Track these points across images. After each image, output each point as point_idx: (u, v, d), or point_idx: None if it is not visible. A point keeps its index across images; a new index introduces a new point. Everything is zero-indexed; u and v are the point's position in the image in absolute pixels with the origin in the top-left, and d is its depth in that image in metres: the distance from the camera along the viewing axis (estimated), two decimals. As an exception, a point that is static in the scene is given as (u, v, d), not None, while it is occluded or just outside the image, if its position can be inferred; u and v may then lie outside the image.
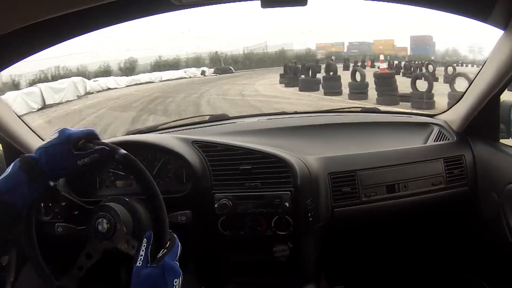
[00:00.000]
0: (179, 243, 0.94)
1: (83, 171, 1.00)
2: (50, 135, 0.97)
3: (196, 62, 20.30)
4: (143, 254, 0.89)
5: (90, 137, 0.98)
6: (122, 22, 1.10)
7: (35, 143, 1.54)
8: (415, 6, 1.14)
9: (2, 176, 0.90)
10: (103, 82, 15.62)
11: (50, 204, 1.40)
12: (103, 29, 1.10)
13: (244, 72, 19.68)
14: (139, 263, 0.87)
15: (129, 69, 18.45)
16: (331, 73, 11.63)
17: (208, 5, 1.13)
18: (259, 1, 0.97)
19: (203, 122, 1.92)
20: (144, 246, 0.90)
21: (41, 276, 1.08)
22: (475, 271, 1.72)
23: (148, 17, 1.12)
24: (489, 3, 1.10)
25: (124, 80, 16.50)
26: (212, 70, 19.56)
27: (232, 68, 19.83)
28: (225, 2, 1.10)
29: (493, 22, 1.18)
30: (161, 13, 1.10)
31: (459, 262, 1.78)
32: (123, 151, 0.98)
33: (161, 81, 17.27)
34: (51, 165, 0.94)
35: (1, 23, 0.80)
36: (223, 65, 20.17)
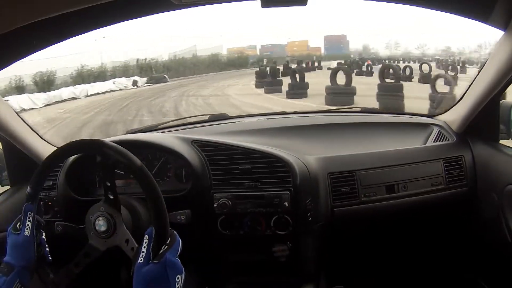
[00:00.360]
0: (180, 240, 0.94)
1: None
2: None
3: (124, 71, 17.59)
4: (145, 250, 0.90)
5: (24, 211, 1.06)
6: (121, 22, 1.11)
7: (35, 142, 1.55)
8: (414, 6, 1.15)
9: None
10: (15, 101, 11.35)
11: (49, 203, 1.41)
12: (102, 28, 1.11)
13: (188, 80, 17.17)
14: (141, 260, 0.88)
15: (46, 83, 15.25)
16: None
17: (208, 4, 1.13)
18: (259, 1, 0.98)
19: (203, 122, 1.92)
20: (145, 242, 0.91)
21: (41, 275, 1.09)
22: (474, 271, 1.72)
23: (148, 16, 1.12)
24: (489, 4, 1.09)
25: (42, 98, 13.24)
26: (144, 79, 16.96)
27: (166, 77, 17.69)
28: (224, 2, 1.10)
29: (493, 23, 1.18)
30: (160, 12, 1.10)
31: (458, 262, 1.78)
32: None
33: (87, 95, 14.61)
34: (15, 256, 1.04)
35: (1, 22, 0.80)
36: (155, 73, 17.89)
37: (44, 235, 1.11)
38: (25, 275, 1.03)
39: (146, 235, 0.92)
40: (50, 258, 1.10)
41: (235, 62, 20.30)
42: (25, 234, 1.04)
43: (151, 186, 0.98)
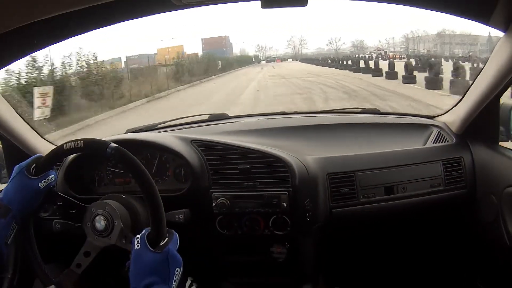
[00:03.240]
0: (178, 236, 0.97)
1: (50, 194, 1.09)
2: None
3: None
4: (140, 237, 0.91)
5: (38, 159, 1.06)
6: (122, 22, 1.11)
7: (35, 141, 1.55)
8: (415, 7, 1.14)
9: None
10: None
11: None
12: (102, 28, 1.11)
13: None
14: (137, 246, 0.90)
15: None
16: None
17: (208, 5, 1.13)
18: (259, 2, 0.98)
19: (203, 121, 1.92)
20: (143, 232, 0.93)
21: (39, 275, 1.09)
22: (473, 273, 1.72)
23: (148, 16, 1.12)
24: (490, 6, 1.09)
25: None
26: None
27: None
28: (225, 2, 1.10)
29: (494, 24, 1.18)
30: (161, 12, 1.10)
31: (457, 264, 1.78)
32: (113, 144, 1.01)
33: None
34: (16, 199, 1.01)
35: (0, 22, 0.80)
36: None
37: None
38: (21, 220, 1.02)
39: (144, 230, 0.94)
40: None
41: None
42: (39, 185, 1.04)
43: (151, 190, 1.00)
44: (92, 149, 1.05)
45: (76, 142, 1.04)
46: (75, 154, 1.35)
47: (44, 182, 1.05)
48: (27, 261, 1.08)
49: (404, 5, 1.13)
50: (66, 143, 1.05)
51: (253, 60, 36.49)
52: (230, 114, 2.03)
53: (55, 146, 1.24)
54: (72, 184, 1.40)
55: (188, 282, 1.44)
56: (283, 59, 38.92)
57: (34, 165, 1.05)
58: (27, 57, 7.76)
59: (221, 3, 1.11)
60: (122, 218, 1.10)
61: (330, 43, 36.80)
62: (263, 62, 37.44)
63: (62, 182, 1.39)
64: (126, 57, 19.05)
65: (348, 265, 1.82)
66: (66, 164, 1.41)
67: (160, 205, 0.98)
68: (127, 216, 1.13)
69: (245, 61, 33.48)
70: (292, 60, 38.89)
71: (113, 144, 1.01)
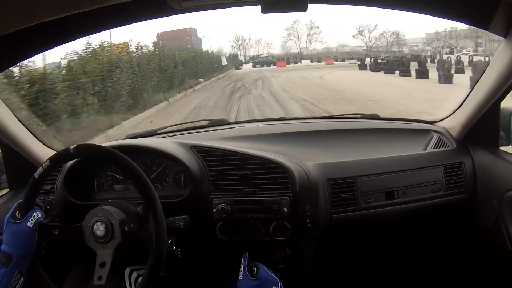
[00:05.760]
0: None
1: (43, 228, 1.12)
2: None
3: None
4: (242, 269, 1.16)
5: (19, 205, 1.12)
6: (122, 26, 1.11)
7: (33, 145, 1.54)
8: (415, 12, 1.15)
9: None
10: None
11: (48, 207, 1.40)
12: (102, 32, 1.11)
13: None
14: (241, 277, 1.15)
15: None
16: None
17: (207, 9, 1.14)
18: (259, 7, 0.98)
19: (202, 127, 1.92)
20: (242, 263, 1.18)
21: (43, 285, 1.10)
22: (474, 277, 1.71)
23: (148, 20, 1.12)
24: (489, 11, 1.10)
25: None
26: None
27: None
28: (224, 7, 1.11)
29: (494, 30, 1.19)
30: (160, 17, 1.10)
31: (458, 268, 1.77)
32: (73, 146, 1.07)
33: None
34: (14, 247, 1.05)
35: (1, 24, 0.80)
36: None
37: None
38: (23, 265, 1.05)
39: (242, 258, 1.20)
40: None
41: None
42: (28, 225, 1.08)
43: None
44: (58, 162, 1.13)
45: (43, 165, 1.10)
46: (74, 160, 1.35)
47: (31, 220, 1.09)
48: (30, 271, 1.09)
49: (405, 11, 1.13)
50: (36, 172, 1.11)
51: (224, 63, 17.60)
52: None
53: (54, 151, 1.24)
54: (71, 190, 1.39)
55: (135, 275, 1.43)
56: (293, 60, 21.14)
57: (17, 211, 1.10)
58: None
59: (220, 7, 1.12)
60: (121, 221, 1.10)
61: (360, 33, 21.09)
62: (245, 67, 19.62)
63: (61, 188, 1.39)
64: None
65: (348, 270, 1.81)
66: (65, 170, 1.40)
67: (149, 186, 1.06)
68: (125, 218, 1.13)
69: (201, 69, 14.59)
70: (310, 61, 20.90)
71: (72, 145, 1.07)
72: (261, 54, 21.42)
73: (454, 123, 1.66)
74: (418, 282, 1.79)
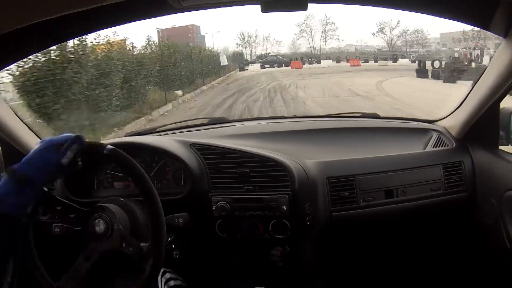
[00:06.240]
0: None
1: (74, 171, 1.04)
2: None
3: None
4: None
5: (72, 141, 1.01)
6: (120, 25, 1.11)
7: (33, 143, 1.54)
8: (415, 12, 1.15)
9: None
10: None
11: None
12: (101, 31, 1.11)
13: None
14: None
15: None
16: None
17: (208, 8, 1.14)
18: (259, 6, 0.98)
19: (202, 125, 1.92)
20: None
21: (40, 279, 1.09)
22: (473, 277, 1.71)
23: (147, 19, 1.12)
24: (489, 11, 1.09)
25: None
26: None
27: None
28: (224, 6, 1.10)
29: (494, 30, 1.19)
30: (160, 15, 1.10)
31: (457, 267, 1.77)
32: (110, 146, 1.02)
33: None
34: (38, 171, 0.96)
35: (2, 22, 0.80)
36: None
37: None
38: (41, 202, 1.01)
39: None
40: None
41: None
42: (62, 162, 0.99)
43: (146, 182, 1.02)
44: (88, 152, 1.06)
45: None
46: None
47: (66, 157, 1.00)
48: (27, 265, 1.08)
49: (404, 10, 1.13)
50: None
51: (224, 63, 14.81)
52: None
53: None
54: (72, 187, 1.39)
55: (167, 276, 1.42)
56: (308, 60, 18.58)
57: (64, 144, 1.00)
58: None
59: (220, 6, 1.12)
60: (121, 221, 1.10)
61: (381, 30, 18.97)
62: (252, 68, 17.40)
63: (61, 185, 1.39)
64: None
65: (348, 269, 1.81)
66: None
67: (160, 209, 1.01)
68: (126, 220, 1.13)
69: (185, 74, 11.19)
70: (334, 61, 18.36)
71: (110, 146, 1.02)
72: (269, 53, 19.30)
73: (453, 122, 1.66)
74: (417, 281, 1.80)
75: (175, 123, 1.93)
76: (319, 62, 18.33)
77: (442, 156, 1.58)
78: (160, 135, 1.75)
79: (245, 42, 19.48)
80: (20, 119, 1.50)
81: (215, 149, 1.43)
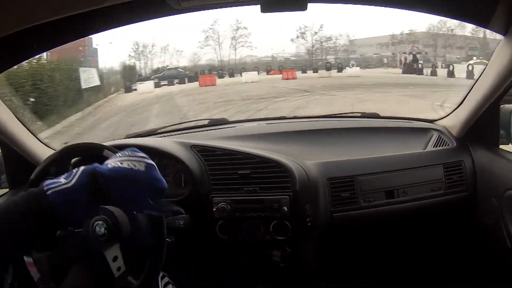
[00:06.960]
0: None
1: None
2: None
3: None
4: None
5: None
6: (121, 26, 1.11)
7: (33, 145, 1.54)
8: (415, 11, 1.14)
9: None
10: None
11: None
12: (101, 33, 1.11)
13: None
14: None
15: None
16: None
17: (208, 9, 1.13)
18: (259, 6, 0.98)
19: (202, 126, 1.91)
20: None
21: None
22: (474, 276, 1.71)
23: (147, 21, 1.12)
24: (489, 9, 1.09)
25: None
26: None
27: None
28: (224, 7, 1.11)
29: (494, 28, 1.19)
30: (160, 17, 1.10)
31: (458, 267, 1.77)
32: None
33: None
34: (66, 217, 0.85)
35: (2, 25, 0.80)
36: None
37: None
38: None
39: None
40: None
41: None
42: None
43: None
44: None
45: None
46: (73, 159, 1.35)
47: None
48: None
49: (404, 9, 1.13)
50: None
51: (91, 82, 9.16)
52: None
53: (53, 151, 1.23)
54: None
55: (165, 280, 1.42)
56: (226, 72, 14.80)
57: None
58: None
59: (219, 7, 1.12)
60: (122, 223, 1.10)
61: (302, 34, 16.72)
62: (142, 86, 12.77)
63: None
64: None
65: (349, 269, 1.81)
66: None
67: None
68: (127, 222, 1.13)
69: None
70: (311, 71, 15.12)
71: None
72: (167, 66, 15.29)
73: (454, 122, 1.66)
74: (418, 280, 1.79)
75: (175, 124, 1.93)
76: (236, 74, 14.46)
77: (442, 156, 1.57)
78: (161, 136, 1.74)
79: (138, 54, 15.50)
80: (20, 121, 1.50)
81: (215, 151, 1.43)
